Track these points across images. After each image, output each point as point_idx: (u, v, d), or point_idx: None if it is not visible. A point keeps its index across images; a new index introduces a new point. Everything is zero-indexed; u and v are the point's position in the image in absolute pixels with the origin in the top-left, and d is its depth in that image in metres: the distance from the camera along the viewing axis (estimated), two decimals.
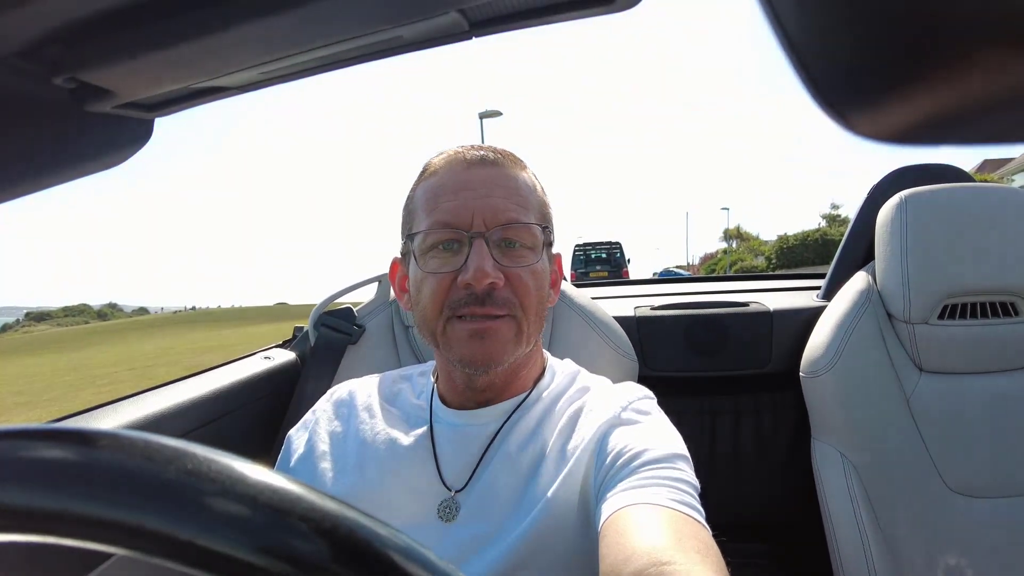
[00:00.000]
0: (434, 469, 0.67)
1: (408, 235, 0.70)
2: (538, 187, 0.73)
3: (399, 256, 0.75)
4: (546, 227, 0.71)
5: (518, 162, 0.72)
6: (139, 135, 0.54)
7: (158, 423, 0.90)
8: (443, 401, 0.72)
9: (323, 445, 0.72)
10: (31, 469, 0.21)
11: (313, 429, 0.74)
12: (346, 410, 0.75)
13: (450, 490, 0.66)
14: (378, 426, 0.71)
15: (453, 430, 0.69)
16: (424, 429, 0.70)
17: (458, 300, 0.64)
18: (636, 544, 0.49)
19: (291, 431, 0.77)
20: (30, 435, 0.22)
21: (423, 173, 0.72)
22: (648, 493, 0.55)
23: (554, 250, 0.75)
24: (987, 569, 1.03)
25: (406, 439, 0.69)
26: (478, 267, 0.63)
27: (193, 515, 0.20)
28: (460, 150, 0.70)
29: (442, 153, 0.72)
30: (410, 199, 0.72)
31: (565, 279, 0.92)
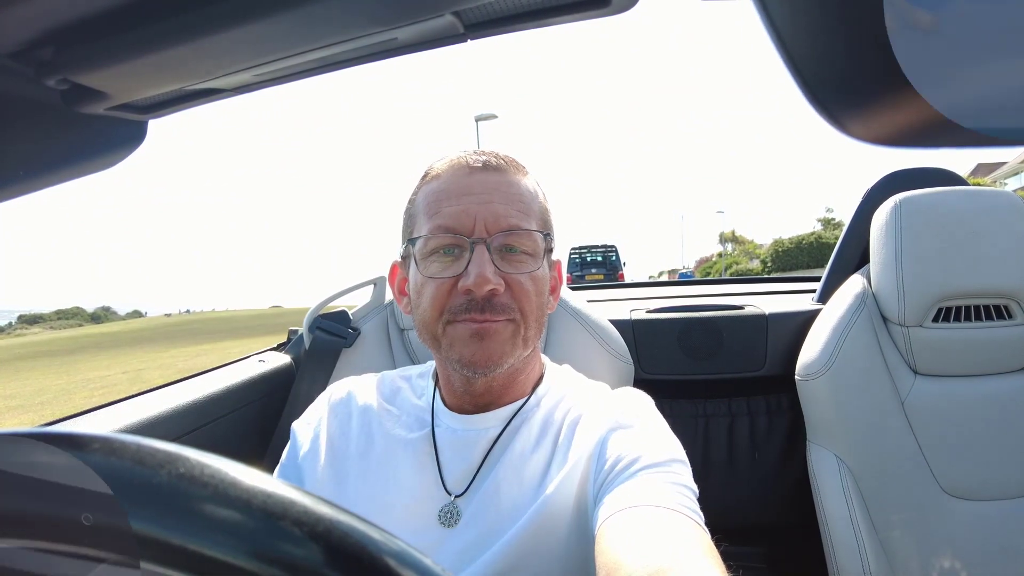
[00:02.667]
0: (436, 474, 0.66)
1: (409, 239, 0.70)
2: (540, 194, 0.73)
3: (399, 259, 0.75)
4: (547, 234, 0.70)
5: (520, 168, 0.71)
6: (132, 137, 0.53)
7: (151, 426, 0.89)
8: (444, 404, 0.72)
9: (325, 447, 0.71)
10: (22, 473, 0.20)
11: (316, 428, 0.73)
12: (347, 410, 0.74)
13: (451, 495, 0.65)
14: (379, 430, 0.71)
15: (454, 435, 0.69)
16: (426, 433, 0.69)
17: (458, 306, 0.64)
18: (642, 545, 0.49)
19: (295, 423, 0.76)
20: (21, 439, 0.21)
21: (425, 177, 0.71)
22: (650, 496, 0.55)
23: (554, 256, 0.75)
24: (981, 572, 1.03)
25: (408, 443, 0.69)
26: (479, 273, 0.62)
27: (185, 520, 0.20)
28: (463, 155, 0.69)
29: (444, 158, 0.71)
30: (411, 203, 0.72)
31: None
